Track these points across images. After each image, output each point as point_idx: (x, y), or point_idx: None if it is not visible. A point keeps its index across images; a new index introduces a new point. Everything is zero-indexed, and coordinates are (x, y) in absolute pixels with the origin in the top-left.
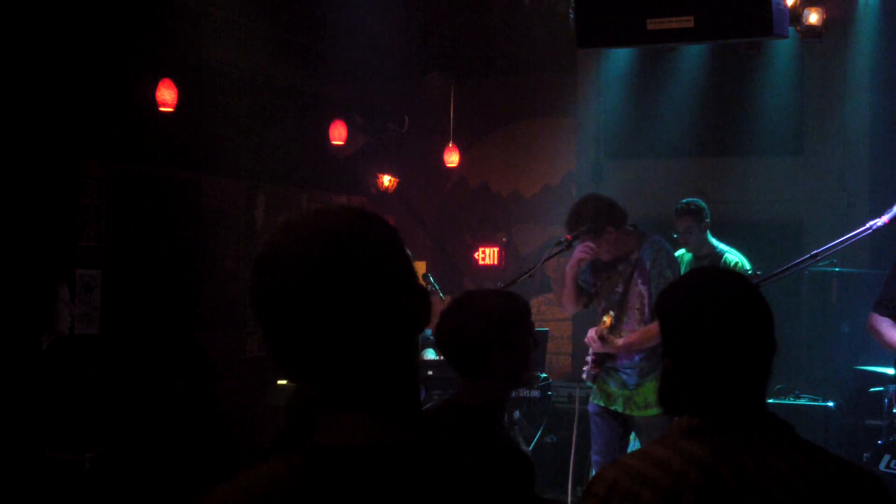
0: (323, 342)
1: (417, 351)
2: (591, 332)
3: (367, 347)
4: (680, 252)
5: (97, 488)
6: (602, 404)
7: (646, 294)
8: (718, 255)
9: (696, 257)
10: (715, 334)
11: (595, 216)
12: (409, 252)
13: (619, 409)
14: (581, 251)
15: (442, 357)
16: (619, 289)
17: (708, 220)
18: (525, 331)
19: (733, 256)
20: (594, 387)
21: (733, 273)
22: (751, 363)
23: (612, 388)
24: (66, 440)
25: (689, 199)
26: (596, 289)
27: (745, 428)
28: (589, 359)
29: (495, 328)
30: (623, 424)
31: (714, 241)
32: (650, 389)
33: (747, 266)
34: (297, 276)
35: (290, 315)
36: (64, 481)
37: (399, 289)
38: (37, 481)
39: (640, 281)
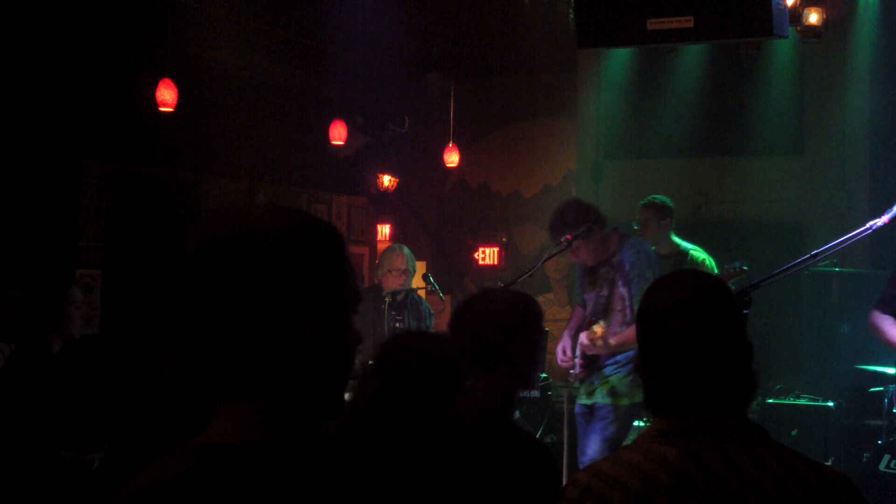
0: (203, 330)
1: (316, 351)
2: (583, 338)
3: (241, 342)
4: None
5: (104, 488)
6: (586, 402)
7: (626, 295)
8: (683, 253)
9: (659, 256)
10: (679, 337)
11: (581, 218)
12: (414, 255)
13: (591, 401)
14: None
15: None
16: (605, 292)
17: (670, 219)
18: (539, 330)
19: (699, 253)
20: (581, 388)
21: (702, 275)
22: (719, 366)
23: (595, 383)
24: (75, 440)
25: (656, 196)
26: (586, 293)
27: (716, 431)
28: (578, 361)
29: (512, 324)
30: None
31: (677, 240)
32: (616, 380)
33: (712, 264)
34: (202, 265)
35: (190, 300)
36: (72, 479)
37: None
38: (46, 479)
39: (620, 283)
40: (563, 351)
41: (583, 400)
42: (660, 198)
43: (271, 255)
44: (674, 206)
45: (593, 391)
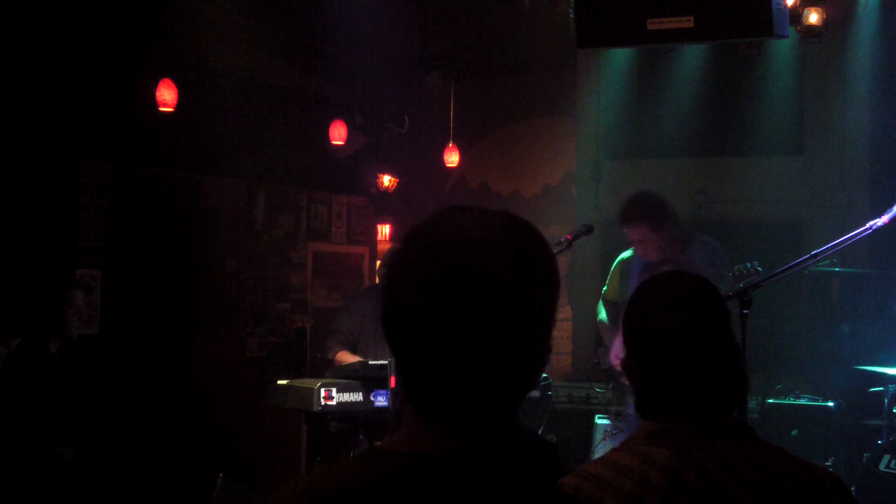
0: (410, 356)
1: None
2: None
3: (443, 368)
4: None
5: (86, 482)
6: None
7: None
8: None
9: None
10: (666, 337)
11: (655, 211)
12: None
13: None
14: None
15: None
16: None
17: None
18: None
19: None
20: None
21: (689, 275)
22: (706, 365)
23: None
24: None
25: None
26: None
27: (706, 431)
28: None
29: None
30: None
31: None
32: None
33: None
34: (416, 284)
35: (399, 321)
36: (67, 475)
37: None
38: (43, 475)
39: None
40: (617, 356)
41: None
42: None
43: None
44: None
45: None
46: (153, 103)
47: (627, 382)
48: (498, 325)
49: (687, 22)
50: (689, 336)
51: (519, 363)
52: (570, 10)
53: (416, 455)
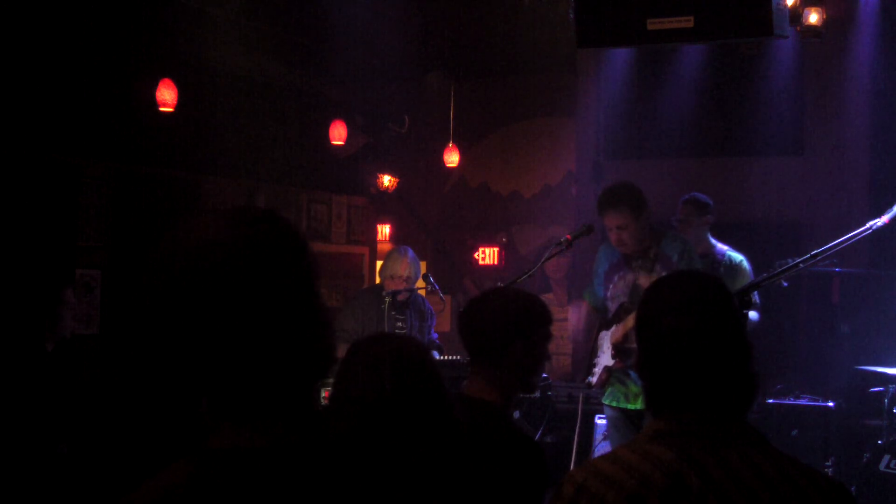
0: (208, 355)
1: (311, 358)
2: (618, 333)
3: (250, 360)
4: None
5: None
6: (620, 405)
7: None
8: (720, 253)
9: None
10: (677, 336)
11: (635, 197)
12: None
13: (642, 407)
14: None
15: (445, 357)
16: (642, 281)
17: (710, 216)
18: (544, 334)
19: (736, 255)
20: (610, 388)
21: (703, 275)
22: (717, 366)
23: (634, 387)
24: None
25: (697, 193)
26: (611, 291)
27: (714, 434)
28: (597, 370)
29: (519, 321)
30: (639, 426)
31: (713, 241)
32: None
33: (746, 267)
34: (184, 286)
35: (175, 326)
36: (63, 471)
37: (287, 305)
38: (44, 473)
39: (664, 274)
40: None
41: (620, 403)
42: (700, 195)
43: (219, 272)
44: (713, 205)
45: (634, 394)
46: (153, 103)
47: (597, 387)
48: (238, 317)
49: (687, 22)
50: (701, 337)
51: (280, 356)
52: (570, 10)
53: (236, 451)
